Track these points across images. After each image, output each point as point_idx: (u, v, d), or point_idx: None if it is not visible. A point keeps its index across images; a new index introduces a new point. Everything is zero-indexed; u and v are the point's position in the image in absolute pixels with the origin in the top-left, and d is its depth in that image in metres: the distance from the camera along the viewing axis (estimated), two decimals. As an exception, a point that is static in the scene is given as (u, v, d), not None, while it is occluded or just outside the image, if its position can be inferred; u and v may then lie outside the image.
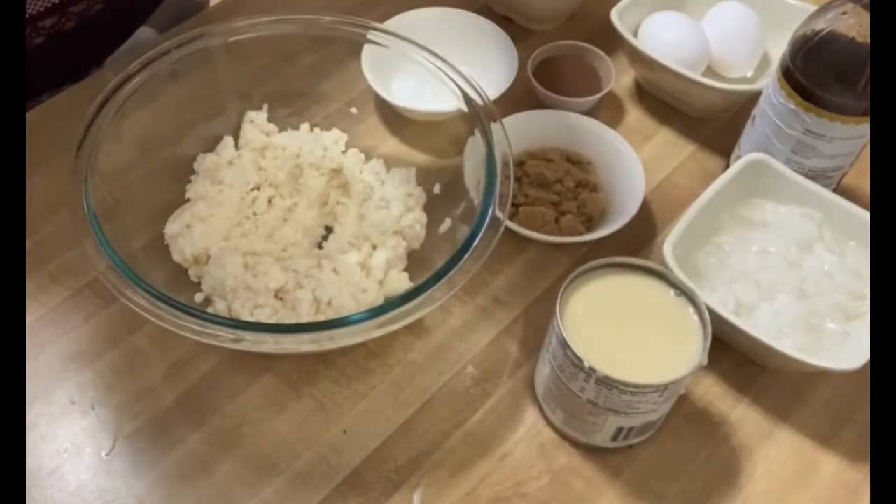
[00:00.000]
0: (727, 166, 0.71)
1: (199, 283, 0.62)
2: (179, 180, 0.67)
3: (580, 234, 0.66)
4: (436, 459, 0.57)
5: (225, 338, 0.52)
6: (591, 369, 0.50)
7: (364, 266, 0.63)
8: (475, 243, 0.55)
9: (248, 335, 0.52)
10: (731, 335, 0.59)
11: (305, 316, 0.59)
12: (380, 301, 0.61)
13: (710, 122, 0.76)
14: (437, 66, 0.65)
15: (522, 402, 0.59)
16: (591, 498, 0.56)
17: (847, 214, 0.63)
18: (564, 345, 0.52)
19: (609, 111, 0.76)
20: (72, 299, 0.63)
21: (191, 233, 0.63)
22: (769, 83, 0.65)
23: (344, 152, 0.70)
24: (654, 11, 0.76)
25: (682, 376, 0.51)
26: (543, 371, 0.56)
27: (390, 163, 0.69)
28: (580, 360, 0.51)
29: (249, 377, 0.60)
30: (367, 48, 0.69)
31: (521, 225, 0.65)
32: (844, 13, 0.58)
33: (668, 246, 0.59)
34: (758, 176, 0.64)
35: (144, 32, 0.80)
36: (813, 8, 0.63)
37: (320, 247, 0.66)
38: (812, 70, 0.61)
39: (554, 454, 0.57)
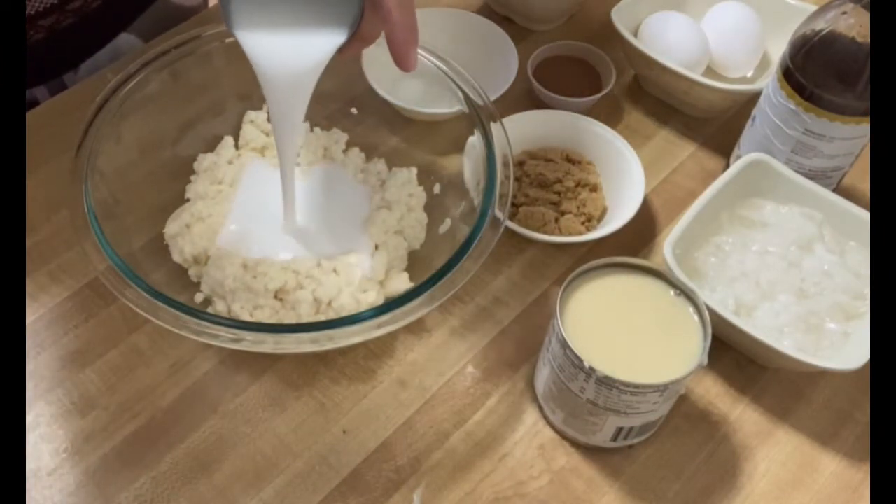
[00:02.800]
0: (727, 166, 0.71)
1: (199, 283, 0.62)
2: (179, 180, 0.67)
3: (580, 234, 0.66)
4: (436, 459, 0.57)
5: (225, 338, 0.52)
6: (591, 369, 0.50)
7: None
8: (475, 243, 0.55)
9: (248, 335, 0.52)
10: (731, 335, 0.59)
11: (305, 316, 0.59)
12: (380, 301, 0.61)
13: (710, 122, 0.76)
14: (438, 66, 0.65)
15: (522, 402, 0.60)
16: (591, 498, 0.56)
17: (847, 214, 0.63)
18: (564, 345, 0.52)
19: (609, 111, 0.76)
20: (72, 299, 0.63)
21: (190, 233, 0.63)
22: (769, 83, 0.65)
23: (345, 151, 0.70)
24: (654, 11, 0.76)
25: (682, 376, 0.51)
26: (543, 371, 0.56)
27: (391, 163, 0.69)
28: (580, 360, 0.51)
29: (249, 377, 0.60)
30: (367, 48, 0.69)
31: (521, 225, 0.65)
32: (844, 13, 0.58)
33: (668, 246, 0.59)
34: (758, 176, 0.64)
35: (123, 39, 0.81)
36: (813, 8, 0.63)
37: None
38: (812, 70, 0.61)
39: (554, 454, 0.57)
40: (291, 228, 0.64)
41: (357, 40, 0.53)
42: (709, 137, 0.75)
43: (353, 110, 0.72)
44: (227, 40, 0.66)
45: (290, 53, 0.52)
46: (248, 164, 0.68)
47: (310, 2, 0.53)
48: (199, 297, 0.62)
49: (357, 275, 0.61)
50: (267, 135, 0.70)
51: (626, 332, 0.53)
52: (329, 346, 0.55)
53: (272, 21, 0.53)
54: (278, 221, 0.64)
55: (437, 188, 0.67)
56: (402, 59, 0.53)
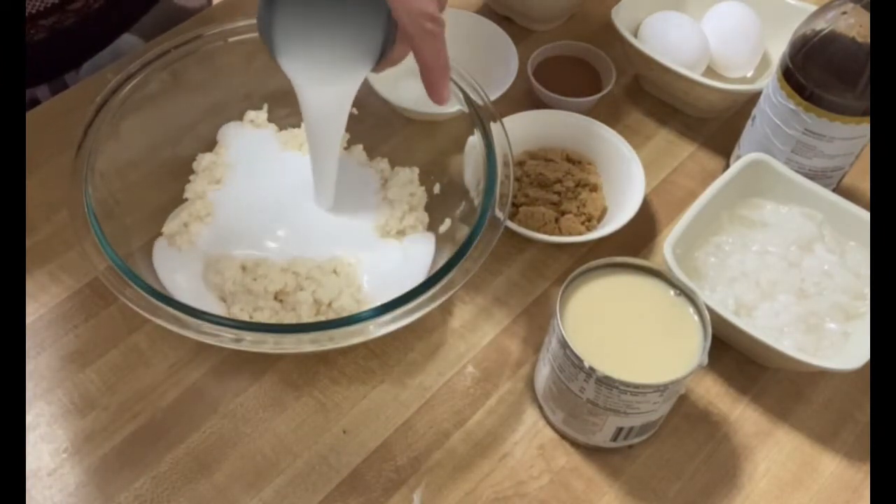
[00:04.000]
0: (727, 166, 0.71)
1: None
2: (179, 180, 0.67)
3: (580, 234, 0.66)
4: (436, 459, 0.57)
5: (225, 338, 0.52)
6: (591, 369, 0.50)
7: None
8: (475, 243, 0.55)
9: (248, 335, 0.52)
10: (731, 335, 0.59)
11: (305, 318, 0.59)
12: (380, 301, 0.61)
13: (710, 122, 0.76)
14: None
15: (522, 402, 0.60)
16: (591, 498, 0.56)
17: (847, 214, 0.62)
18: (564, 345, 0.52)
19: (609, 111, 0.76)
20: (72, 299, 0.62)
21: (188, 231, 0.63)
22: (769, 83, 0.65)
23: (347, 149, 0.70)
24: (654, 11, 0.76)
25: (682, 376, 0.51)
26: (543, 371, 0.56)
27: (392, 163, 0.69)
28: (580, 360, 0.51)
29: (249, 377, 0.60)
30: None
31: (521, 225, 0.65)
32: (844, 13, 0.58)
33: (668, 246, 0.59)
34: (758, 176, 0.64)
35: (125, 39, 0.81)
36: (813, 8, 0.63)
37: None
38: (812, 70, 0.61)
39: (554, 454, 0.57)
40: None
41: (386, 62, 0.56)
42: (709, 137, 0.75)
43: (354, 110, 0.71)
44: (228, 40, 0.66)
45: (326, 83, 0.57)
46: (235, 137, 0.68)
47: (342, 30, 0.56)
48: (199, 297, 0.62)
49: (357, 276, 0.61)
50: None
51: (626, 332, 0.53)
52: (329, 346, 0.55)
53: (310, 47, 0.57)
54: (276, 216, 0.64)
55: (437, 188, 0.67)
56: (434, 95, 0.56)
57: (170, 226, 0.63)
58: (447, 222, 0.65)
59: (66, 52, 0.78)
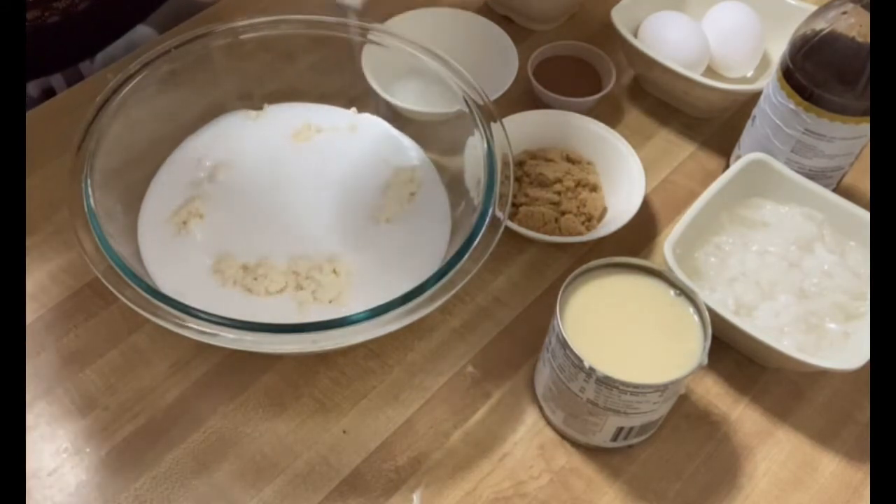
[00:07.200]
0: (727, 166, 0.71)
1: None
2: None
3: (580, 234, 0.66)
4: (436, 459, 0.57)
5: (225, 338, 0.52)
6: (591, 369, 0.50)
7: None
8: (475, 243, 0.55)
9: (248, 335, 0.52)
10: (731, 335, 0.59)
11: (305, 317, 0.59)
12: (380, 301, 0.61)
13: (710, 122, 0.76)
14: (437, 66, 0.65)
15: (522, 402, 0.59)
16: (591, 498, 0.56)
17: (847, 214, 0.63)
18: (564, 345, 0.52)
19: (609, 111, 0.76)
20: (72, 299, 0.63)
21: (186, 228, 0.63)
22: (769, 83, 0.65)
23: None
24: (654, 11, 0.76)
25: (682, 376, 0.51)
26: (543, 371, 0.56)
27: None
28: (580, 360, 0.51)
29: (249, 377, 0.60)
30: (367, 48, 0.69)
31: (521, 225, 0.65)
32: (844, 13, 0.58)
33: (668, 246, 0.59)
34: (758, 176, 0.64)
35: (140, 31, 0.81)
36: (813, 8, 0.63)
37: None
38: (812, 70, 0.61)
39: (554, 454, 0.57)
40: None
41: None
42: (709, 137, 0.75)
43: (353, 110, 0.72)
44: (228, 40, 0.66)
45: None
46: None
47: None
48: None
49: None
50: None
51: (626, 332, 0.53)
52: (329, 346, 0.55)
53: None
54: (276, 215, 0.64)
55: (437, 188, 0.67)
56: None
57: (168, 223, 0.63)
58: (447, 222, 0.65)
59: (80, 38, 0.77)
